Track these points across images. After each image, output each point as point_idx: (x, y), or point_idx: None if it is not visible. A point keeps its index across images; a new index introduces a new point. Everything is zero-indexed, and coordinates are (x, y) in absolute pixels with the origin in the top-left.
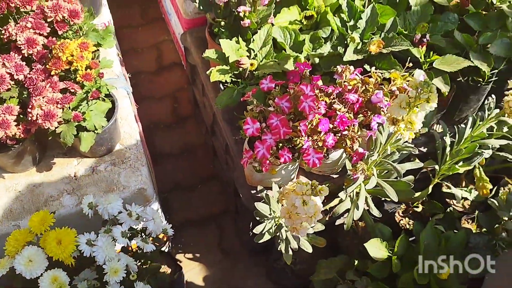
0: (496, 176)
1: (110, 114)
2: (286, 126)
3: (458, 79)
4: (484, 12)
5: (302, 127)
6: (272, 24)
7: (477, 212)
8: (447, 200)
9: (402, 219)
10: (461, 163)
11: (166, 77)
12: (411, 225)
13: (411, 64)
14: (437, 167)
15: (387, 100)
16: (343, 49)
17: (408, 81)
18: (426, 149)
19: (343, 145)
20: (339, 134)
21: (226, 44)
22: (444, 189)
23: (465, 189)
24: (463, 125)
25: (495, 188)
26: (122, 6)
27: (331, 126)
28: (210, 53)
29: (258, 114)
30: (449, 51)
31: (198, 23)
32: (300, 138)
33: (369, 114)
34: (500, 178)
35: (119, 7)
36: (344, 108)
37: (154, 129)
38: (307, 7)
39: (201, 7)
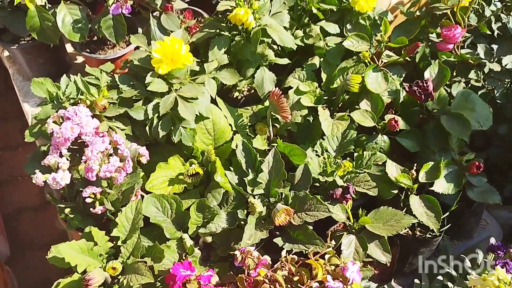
0: None
1: None
2: None
3: (402, 232)
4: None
5: None
6: (145, 192)
7: None
8: None
9: None
10: None
11: (54, 214)
12: None
13: (333, 244)
14: None
15: None
16: (246, 215)
17: (336, 266)
18: None
19: None
20: None
21: (69, 249)
22: None
23: None
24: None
25: None
26: None
27: None
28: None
29: None
30: (384, 193)
31: None
32: None
33: None
34: None
35: None
36: None
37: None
38: (192, 154)
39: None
